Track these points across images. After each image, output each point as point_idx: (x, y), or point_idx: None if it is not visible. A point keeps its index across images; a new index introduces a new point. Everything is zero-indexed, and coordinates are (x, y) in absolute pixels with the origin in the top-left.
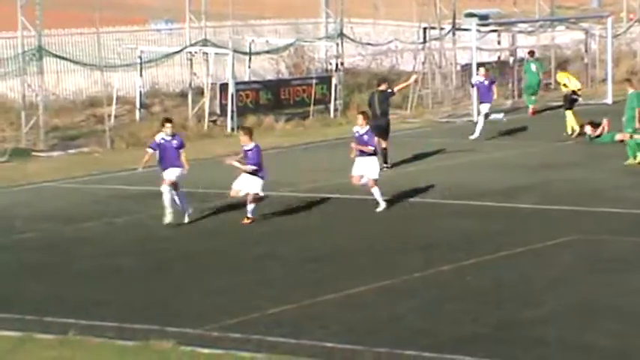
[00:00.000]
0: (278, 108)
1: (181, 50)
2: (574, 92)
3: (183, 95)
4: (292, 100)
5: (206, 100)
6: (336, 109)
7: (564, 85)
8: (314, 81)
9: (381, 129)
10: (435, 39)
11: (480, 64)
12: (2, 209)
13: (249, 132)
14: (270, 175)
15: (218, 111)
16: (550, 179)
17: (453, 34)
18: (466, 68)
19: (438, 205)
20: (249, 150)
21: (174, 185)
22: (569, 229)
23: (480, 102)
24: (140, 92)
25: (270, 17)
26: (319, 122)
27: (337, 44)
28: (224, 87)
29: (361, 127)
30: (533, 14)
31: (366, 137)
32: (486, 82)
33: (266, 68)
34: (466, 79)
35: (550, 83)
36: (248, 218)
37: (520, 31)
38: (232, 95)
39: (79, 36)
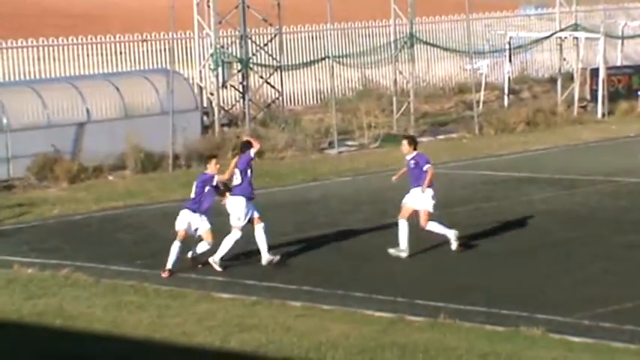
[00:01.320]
0: None
1: (551, 35)
2: None
3: (552, 81)
4: None
5: (576, 85)
6: None
7: None
8: None
9: None
10: None
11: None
12: (375, 193)
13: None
14: None
15: (588, 97)
16: None
17: None
18: None
19: None
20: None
21: None
22: None
23: None
24: (508, 78)
25: None
26: None
27: None
28: (594, 72)
29: None
30: None
31: None
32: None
33: None
34: None
35: None
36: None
37: None
38: (603, 80)
39: (449, 23)
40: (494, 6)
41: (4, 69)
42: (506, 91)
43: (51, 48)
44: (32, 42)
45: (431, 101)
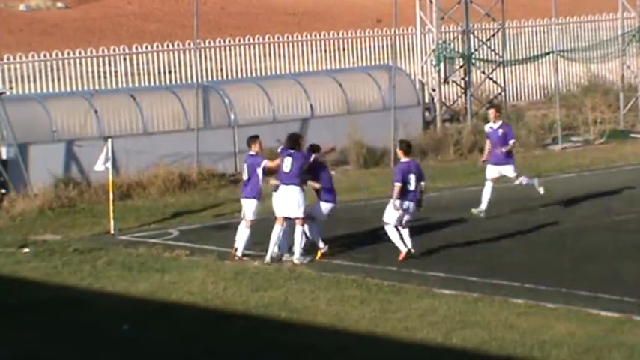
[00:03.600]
0: None
1: None
2: None
3: None
4: None
5: None
6: None
7: None
8: None
9: None
10: None
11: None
12: (600, 190)
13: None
14: None
15: None
16: None
17: None
18: None
19: None
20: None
21: None
22: None
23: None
24: None
25: None
26: None
27: None
28: None
29: None
30: None
31: None
32: (500, 131)
33: None
34: None
35: None
36: None
37: None
38: None
39: None
40: None
41: (231, 66)
42: None
43: (276, 45)
44: (259, 39)
45: None
